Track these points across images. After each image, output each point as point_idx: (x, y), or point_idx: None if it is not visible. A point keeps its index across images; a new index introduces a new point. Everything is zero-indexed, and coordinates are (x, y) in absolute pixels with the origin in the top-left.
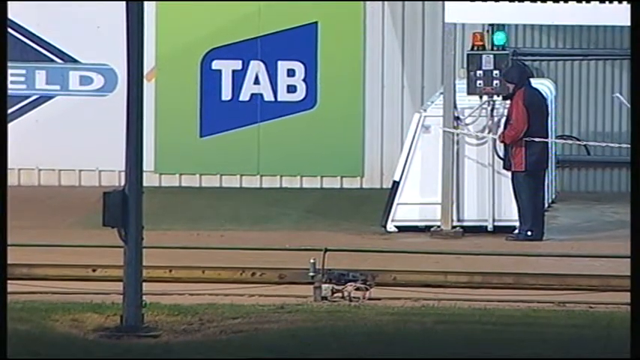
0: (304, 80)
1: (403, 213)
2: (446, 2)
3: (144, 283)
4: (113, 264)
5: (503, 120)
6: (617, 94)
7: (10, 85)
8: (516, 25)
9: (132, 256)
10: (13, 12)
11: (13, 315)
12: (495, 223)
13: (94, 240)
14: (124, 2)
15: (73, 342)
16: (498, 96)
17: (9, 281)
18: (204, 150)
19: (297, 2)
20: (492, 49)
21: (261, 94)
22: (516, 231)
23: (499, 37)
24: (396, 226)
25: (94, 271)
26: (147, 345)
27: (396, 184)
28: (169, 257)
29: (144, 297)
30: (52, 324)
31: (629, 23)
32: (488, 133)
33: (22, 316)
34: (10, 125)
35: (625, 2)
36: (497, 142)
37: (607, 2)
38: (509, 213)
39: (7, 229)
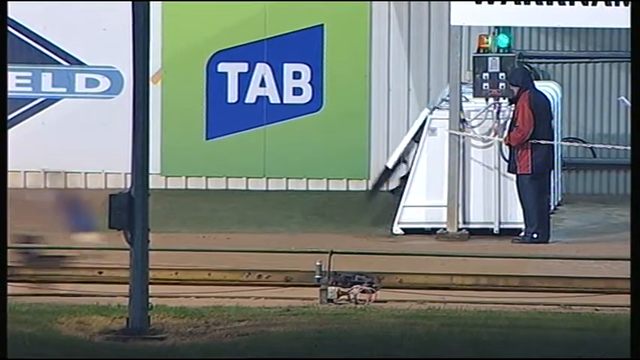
0: (310, 83)
1: (409, 215)
2: (452, 4)
3: (150, 286)
4: (119, 266)
5: (508, 123)
6: (622, 97)
7: (16, 88)
8: (522, 28)
9: (138, 258)
10: (19, 14)
11: (19, 318)
12: (501, 226)
13: (102, 242)
14: (130, 4)
15: (78, 345)
16: (504, 98)
17: (15, 284)
18: (210, 152)
19: (303, 4)
20: (498, 52)
21: (267, 97)
22: (522, 233)
23: (502, 40)
24: (402, 229)
25: (100, 273)
26: (153, 347)
27: (387, 171)
28: (175, 259)
29: (150, 299)
30: (57, 326)
31: None
32: (494, 135)
33: (27, 318)
34: (16, 128)
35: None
36: (503, 144)
37: (613, 4)
38: (515, 215)
39: (7, 230)
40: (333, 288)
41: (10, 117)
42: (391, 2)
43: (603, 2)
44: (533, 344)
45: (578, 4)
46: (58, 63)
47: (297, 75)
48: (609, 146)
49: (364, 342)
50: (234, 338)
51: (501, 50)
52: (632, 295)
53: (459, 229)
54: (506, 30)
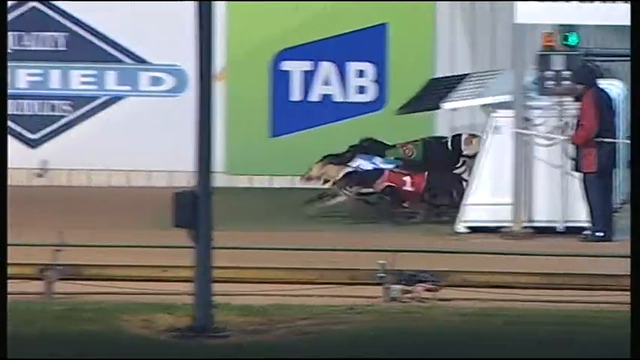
0: (374, 81)
1: (473, 213)
2: (517, 2)
3: (214, 284)
4: (184, 264)
5: (573, 121)
6: None
7: (80, 86)
8: (587, 25)
9: (202, 256)
10: (84, 12)
11: (83, 316)
12: (566, 224)
13: (164, 240)
14: (195, 2)
15: (143, 342)
16: (569, 96)
17: (79, 282)
18: (274, 150)
19: (367, 3)
20: (563, 50)
21: (331, 95)
22: (587, 231)
23: (570, 38)
24: (467, 227)
25: (164, 271)
26: (217, 345)
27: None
28: (239, 258)
29: (214, 297)
30: (122, 325)
31: None
32: (559, 134)
33: (91, 316)
34: (80, 126)
35: None
36: (568, 142)
37: None
38: (580, 214)
39: (7, 229)
40: (397, 286)
41: (74, 115)
42: (456, 1)
43: None
44: (598, 343)
45: None
46: (123, 61)
47: (361, 73)
48: None
49: (428, 341)
50: (298, 336)
51: (567, 48)
52: (632, 294)
53: (524, 228)
54: (572, 28)
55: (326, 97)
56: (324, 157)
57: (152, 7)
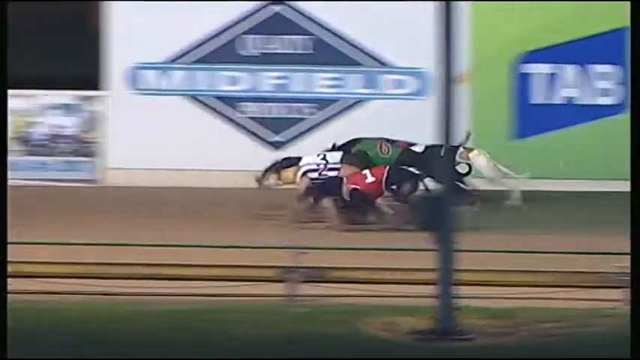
0: (618, 84)
1: None
2: None
3: (456, 287)
4: (427, 267)
5: None
6: None
7: (322, 89)
8: None
9: (444, 259)
10: (326, 15)
11: (324, 318)
12: None
13: (405, 243)
14: (438, 2)
15: (385, 344)
16: None
17: (319, 284)
18: (517, 152)
19: (611, 4)
20: None
21: (574, 98)
22: None
23: None
24: None
25: (406, 274)
26: (461, 348)
27: None
28: (481, 260)
29: (456, 300)
30: (364, 327)
31: None
32: None
33: (333, 319)
34: (323, 128)
35: None
36: None
37: None
38: None
39: (7, 228)
40: None
41: (318, 118)
42: None
43: None
44: None
45: None
46: (365, 64)
47: (604, 76)
48: None
49: None
50: (542, 339)
51: None
52: (632, 294)
53: None
54: None
55: (569, 100)
56: (284, 159)
57: (394, 8)
